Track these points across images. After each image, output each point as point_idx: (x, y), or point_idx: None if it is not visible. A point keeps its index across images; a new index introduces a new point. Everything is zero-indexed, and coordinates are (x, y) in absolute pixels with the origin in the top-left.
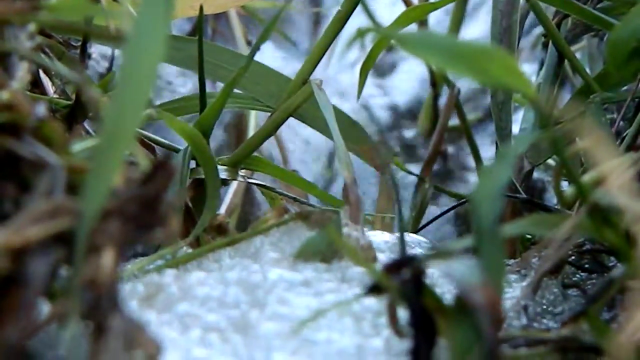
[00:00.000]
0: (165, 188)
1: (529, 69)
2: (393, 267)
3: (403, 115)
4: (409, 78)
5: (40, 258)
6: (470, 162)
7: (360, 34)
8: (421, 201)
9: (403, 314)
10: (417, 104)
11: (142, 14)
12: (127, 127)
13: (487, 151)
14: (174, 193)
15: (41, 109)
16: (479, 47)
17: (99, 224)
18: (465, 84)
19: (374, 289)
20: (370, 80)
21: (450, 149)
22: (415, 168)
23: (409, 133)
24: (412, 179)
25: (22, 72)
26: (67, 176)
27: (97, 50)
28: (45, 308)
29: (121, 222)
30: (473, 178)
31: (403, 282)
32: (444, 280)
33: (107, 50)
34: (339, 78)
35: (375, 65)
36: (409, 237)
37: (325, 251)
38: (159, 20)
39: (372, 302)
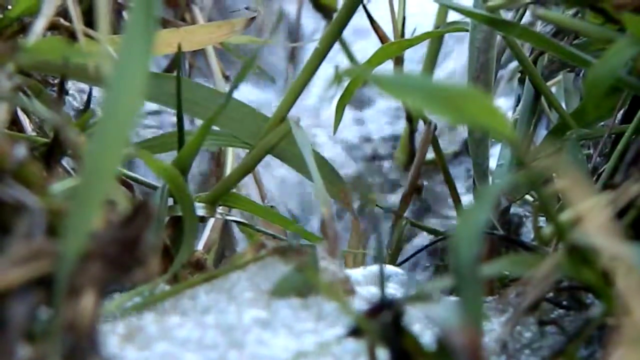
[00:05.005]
0: (145, 230)
1: (506, 103)
2: (373, 312)
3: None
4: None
5: (21, 301)
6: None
7: (339, 76)
8: (398, 237)
9: (382, 354)
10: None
11: (122, 54)
12: (107, 167)
13: (463, 186)
14: (153, 233)
15: (21, 151)
16: (456, 88)
17: (79, 266)
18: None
19: (354, 332)
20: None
21: (426, 182)
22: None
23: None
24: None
25: (1, 112)
26: (46, 218)
27: (74, 85)
28: (25, 351)
29: (101, 264)
30: (449, 212)
31: (383, 325)
32: (421, 317)
33: (84, 86)
34: (317, 111)
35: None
36: (385, 268)
37: (301, 287)
38: (139, 59)
39: (350, 342)
